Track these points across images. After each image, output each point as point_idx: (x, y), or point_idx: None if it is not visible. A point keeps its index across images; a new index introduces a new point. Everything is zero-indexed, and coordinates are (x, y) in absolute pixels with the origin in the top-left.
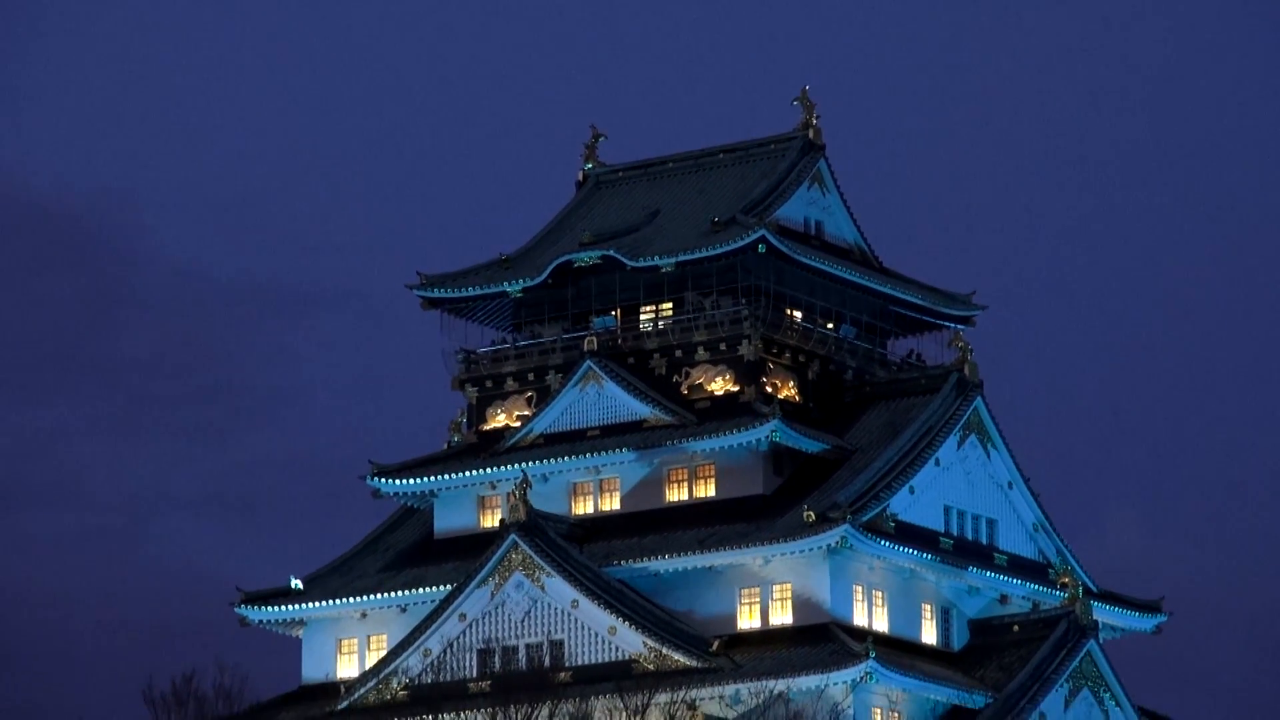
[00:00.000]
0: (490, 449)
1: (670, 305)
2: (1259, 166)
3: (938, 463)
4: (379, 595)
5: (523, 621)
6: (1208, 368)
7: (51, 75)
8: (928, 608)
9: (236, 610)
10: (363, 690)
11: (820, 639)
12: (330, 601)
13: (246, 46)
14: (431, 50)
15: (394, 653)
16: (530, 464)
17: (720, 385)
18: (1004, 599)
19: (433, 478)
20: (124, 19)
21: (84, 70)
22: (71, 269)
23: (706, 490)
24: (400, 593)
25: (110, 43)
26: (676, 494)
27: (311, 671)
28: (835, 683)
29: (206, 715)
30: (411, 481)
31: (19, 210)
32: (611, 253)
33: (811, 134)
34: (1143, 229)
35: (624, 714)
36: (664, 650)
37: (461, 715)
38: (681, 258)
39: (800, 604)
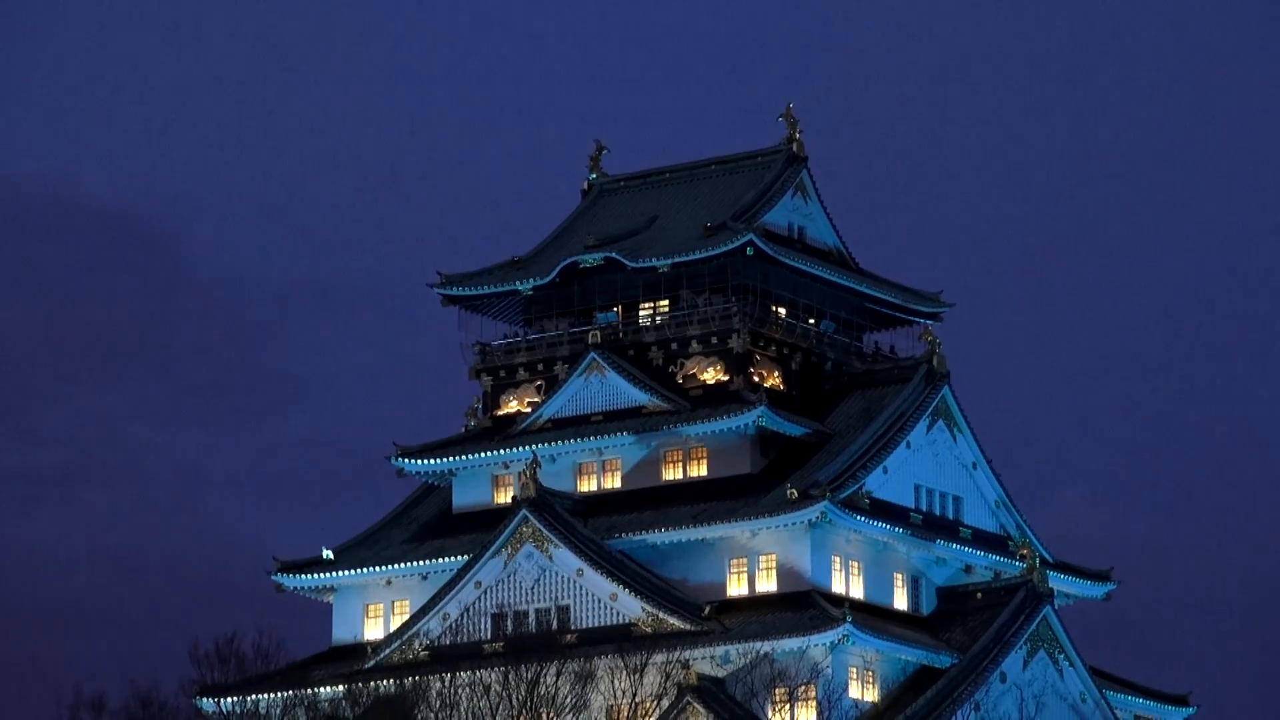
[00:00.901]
0: (503, 432)
1: (667, 303)
2: (1201, 173)
3: (908, 445)
4: (402, 564)
5: (532, 588)
6: (1150, 360)
7: (114, 96)
8: (899, 577)
9: (274, 578)
10: (388, 651)
11: (802, 605)
12: (358, 570)
13: (288, 75)
14: (452, 74)
15: (416, 617)
16: (539, 446)
17: (712, 375)
18: (968, 569)
19: (451, 458)
20: (178, 56)
21: (142, 92)
22: (129, 269)
23: (699, 470)
24: (422, 562)
25: (167, 73)
26: (672, 473)
27: (341, 634)
28: (815, 644)
29: (246, 673)
30: (432, 461)
31: (82, 215)
32: (613, 255)
33: (795, 147)
34: (1095, 236)
35: (624, 673)
36: (660, 615)
37: (477, 674)
38: (677, 259)
39: (784, 573)
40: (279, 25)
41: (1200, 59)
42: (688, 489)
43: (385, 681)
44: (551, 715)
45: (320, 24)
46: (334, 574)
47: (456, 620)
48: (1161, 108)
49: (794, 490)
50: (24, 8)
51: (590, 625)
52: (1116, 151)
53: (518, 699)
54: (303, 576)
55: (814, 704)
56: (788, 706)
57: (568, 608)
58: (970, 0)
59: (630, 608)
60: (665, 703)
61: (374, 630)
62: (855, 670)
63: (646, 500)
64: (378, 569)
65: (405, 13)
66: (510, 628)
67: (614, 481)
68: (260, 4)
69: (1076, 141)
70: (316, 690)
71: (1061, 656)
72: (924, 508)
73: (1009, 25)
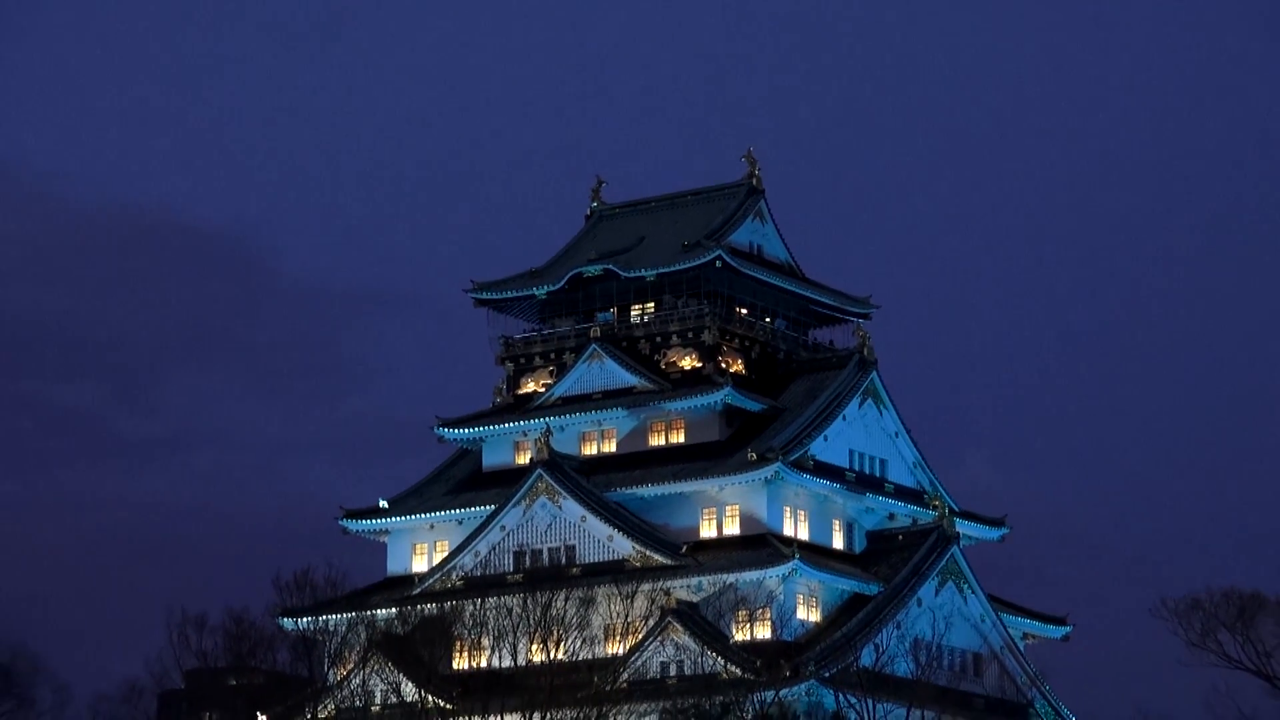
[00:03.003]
0: (523, 407)
1: (653, 304)
2: (1088, 187)
3: (844, 418)
4: (442, 512)
5: (545, 531)
6: (1039, 350)
7: (216, 142)
8: (837, 522)
9: (340, 523)
10: (431, 580)
11: (760, 545)
12: (407, 516)
13: (349, 129)
14: (483, 125)
15: (453, 554)
16: (551, 418)
17: (688, 362)
18: (892, 517)
19: (481, 428)
20: (266, 112)
21: (238, 139)
22: (226, 278)
23: (678, 437)
24: (458, 510)
25: (256, 123)
26: (657, 440)
27: (394, 567)
28: (771, 576)
29: (318, 598)
30: (466, 431)
31: (190, 236)
32: (610, 267)
33: (754, 181)
34: (997, 250)
35: (618, 599)
36: (647, 552)
37: (501, 599)
38: (661, 270)
39: (745, 519)
40: (342, 87)
41: (1119, 77)
42: (669, 453)
43: (429, 605)
44: (560, 632)
45: (379, 86)
46: (388, 520)
47: (485, 556)
48: (1054, 134)
49: (753, 454)
50: (146, 72)
51: (591, 561)
52: (1018, 180)
53: (534, 619)
54: (363, 522)
55: (769, 623)
56: (748, 625)
57: (573, 547)
58: (895, 53)
59: (623, 546)
60: (651, 622)
61: (420, 564)
62: (802, 597)
63: (636, 462)
64: (423, 516)
65: (447, 79)
66: (528, 563)
67: (610, 446)
68: (327, 71)
69: (984, 169)
70: (374, 612)
71: (965, 586)
72: (856, 468)
73: (929, 72)
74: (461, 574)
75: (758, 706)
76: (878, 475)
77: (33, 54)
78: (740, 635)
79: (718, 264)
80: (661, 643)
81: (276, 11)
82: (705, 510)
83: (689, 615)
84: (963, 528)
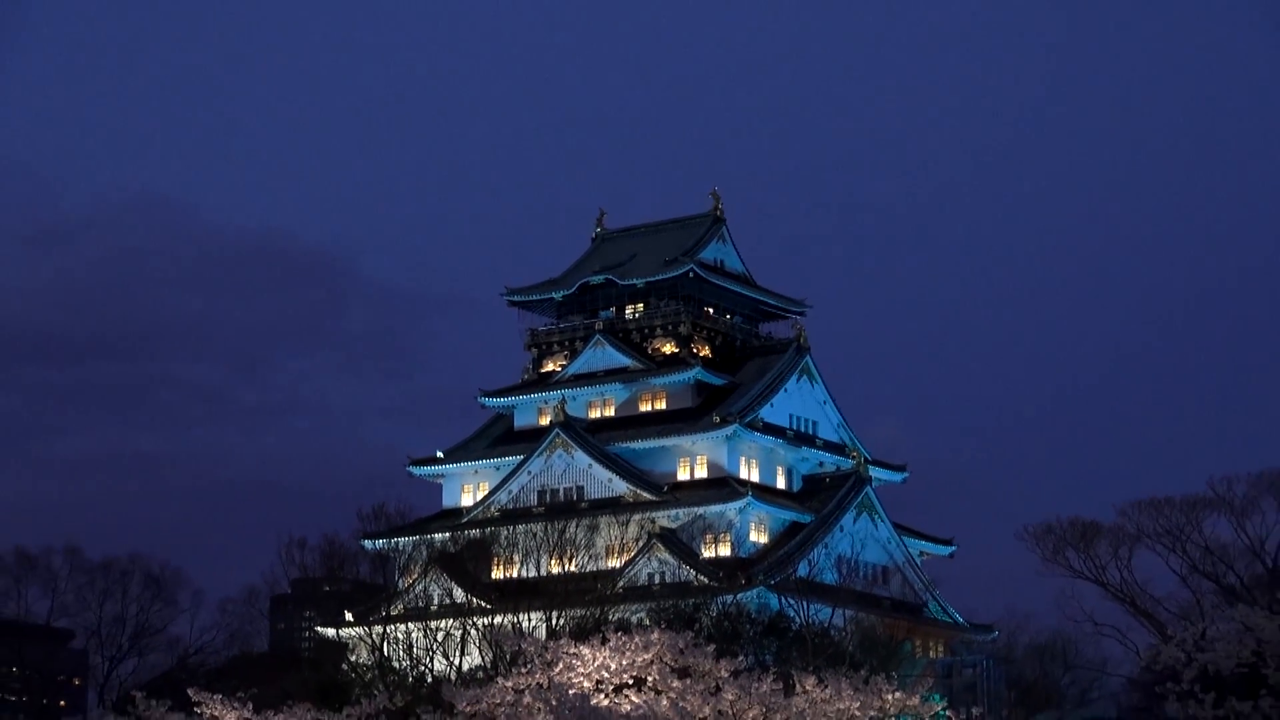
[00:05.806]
0: (544, 382)
1: (642, 305)
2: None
3: (786, 390)
4: (484, 461)
5: (562, 475)
6: (933, 338)
7: (311, 174)
8: (780, 469)
9: (407, 469)
10: (475, 512)
11: (722, 485)
12: (458, 464)
13: (418, 165)
14: (514, 171)
15: (492, 492)
16: (566, 390)
17: (668, 348)
18: (821, 464)
19: (513, 398)
20: (350, 146)
21: (324, 170)
22: (318, 284)
23: (660, 405)
24: (496, 460)
25: (338, 155)
26: (645, 407)
27: (448, 502)
28: (730, 509)
29: (391, 525)
30: (501, 400)
31: (294, 251)
32: (611, 277)
33: (718, 212)
34: (904, 265)
35: (616, 525)
36: (638, 491)
37: (528, 526)
38: (648, 279)
39: (711, 466)
40: (405, 138)
41: (1050, 76)
42: (654, 416)
43: (474, 531)
44: (572, 551)
45: (433, 138)
46: (443, 467)
47: (516, 494)
48: (952, 152)
49: (718, 417)
50: (259, 124)
51: (596, 497)
52: (938, 196)
53: (552, 541)
54: (425, 468)
55: (730, 544)
56: (714, 545)
57: (583, 487)
58: (835, 93)
59: (620, 487)
60: (640, 544)
61: (467, 500)
62: (753, 524)
63: (630, 423)
64: (469, 463)
65: (485, 130)
66: (548, 499)
67: (610, 412)
68: (394, 125)
69: (900, 194)
70: (433, 536)
71: (876, 516)
72: (795, 428)
73: (868, 103)
74: (498, 507)
75: (721, 607)
76: (810, 433)
77: (179, 107)
78: (707, 553)
79: (690, 275)
80: (648, 559)
81: (352, 80)
82: (681, 459)
83: (669, 538)
84: (875, 472)
